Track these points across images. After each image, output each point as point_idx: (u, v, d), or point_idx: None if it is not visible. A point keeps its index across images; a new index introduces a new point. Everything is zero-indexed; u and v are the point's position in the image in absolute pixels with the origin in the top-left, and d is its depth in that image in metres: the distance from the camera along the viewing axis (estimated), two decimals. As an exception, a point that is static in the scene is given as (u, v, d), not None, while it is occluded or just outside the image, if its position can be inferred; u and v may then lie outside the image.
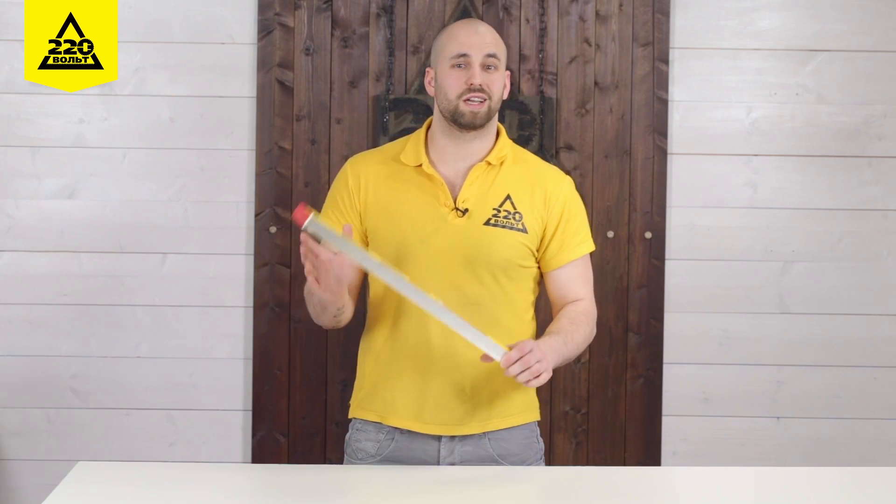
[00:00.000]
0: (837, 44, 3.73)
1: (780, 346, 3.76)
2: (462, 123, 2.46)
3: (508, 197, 2.50)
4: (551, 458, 3.70)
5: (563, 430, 3.74)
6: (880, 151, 3.75)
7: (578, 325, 2.50)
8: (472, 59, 2.44)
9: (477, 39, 2.45)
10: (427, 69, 2.54)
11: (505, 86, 2.51)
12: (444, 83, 2.47)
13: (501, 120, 3.68)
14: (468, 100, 2.44)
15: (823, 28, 3.73)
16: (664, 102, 3.70)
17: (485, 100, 2.45)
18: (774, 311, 3.76)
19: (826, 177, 3.75)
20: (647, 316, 3.73)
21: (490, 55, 2.45)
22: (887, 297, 3.76)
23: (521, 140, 3.66)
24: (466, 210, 2.47)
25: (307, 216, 2.25)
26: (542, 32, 3.68)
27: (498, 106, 2.49)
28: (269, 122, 3.67)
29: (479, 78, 2.44)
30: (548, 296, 2.58)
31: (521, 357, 2.29)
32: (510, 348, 2.32)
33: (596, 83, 3.70)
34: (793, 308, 3.76)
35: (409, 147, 2.53)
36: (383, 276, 2.33)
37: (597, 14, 3.69)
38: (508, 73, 2.54)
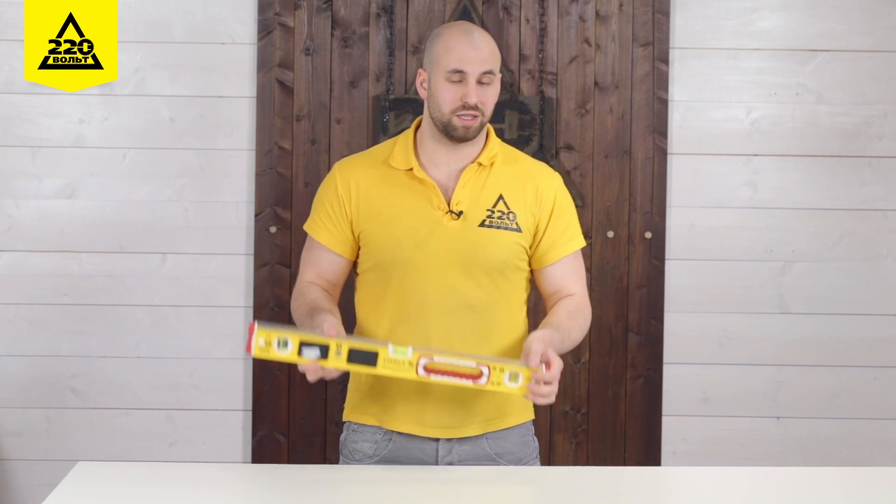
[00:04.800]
0: (838, 44, 3.73)
1: (780, 346, 3.77)
2: (454, 137, 2.44)
3: (501, 197, 2.49)
4: (551, 458, 3.71)
5: (563, 430, 3.74)
6: (880, 151, 3.75)
7: (576, 320, 2.49)
8: (469, 75, 2.41)
9: (474, 55, 2.41)
10: (420, 70, 2.51)
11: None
12: (439, 95, 2.44)
13: (501, 120, 3.68)
14: (461, 116, 2.42)
15: (824, 28, 3.73)
16: (664, 102, 3.70)
17: (478, 116, 2.43)
18: (774, 311, 3.76)
19: (826, 177, 3.75)
20: (647, 316, 3.73)
21: (486, 71, 2.42)
22: (887, 297, 3.76)
23: (521, 140, 3.66)
24: (461, 212, 2.46)
25: (252, 334, 2.24)
26: (542, 32, 3.68)
27: (490, 117, 2.47)
28: (269, 122, 3.67)
29: (474, 97, 2.41)
30: (540, 292, 2.57)
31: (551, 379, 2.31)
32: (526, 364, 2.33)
33: (596, 83, 3.70)
34: (793, 308, 3.76)
35: (398, 150, 2.51)
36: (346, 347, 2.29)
37: (597, 14, 3.69)
38: (500, 75, 2.51)
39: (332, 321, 2.30)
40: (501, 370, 2.28)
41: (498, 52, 2.48)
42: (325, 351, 2.26)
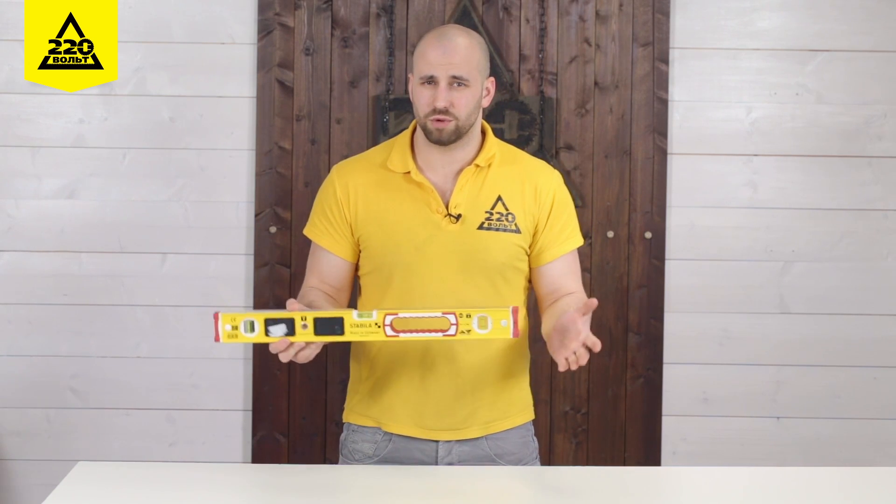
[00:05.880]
0: (838, 44, 3.73)
1: (780, 346, 3.77)
2: (431, 140, 2.45)
3: (500, 198, 2.49)
4: (551, 458, 3.71)
5: (563, 430, 3.74)
6: (880, 151, 3.75)
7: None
8: (439, 78, 2.41)
9: (444, 59, 2.41)
10: (409, 75, 2.52)
11: (488, 92, 2.49)
12: (415, 100, 2.46)
13: (501, 120, 3.68)
14: (434, 119, 2.42)
15: (823, 28, 3.73)
16: (664, 102, 3.70)
17: (450, 119, 2.42)
18: (774, 311, 3.76)
19: (826, 177, 3.75)
20: (647, 316, 3.73)
21: (456, 76, 2.41)
22: (887, 297, 3.76)
23: (521, 140, 3.66)
24: (459, 215, 2.46)
25: (217, 321, 2.25)
26: (542, 32, 3.68)
27: (470, 120, 2.45)
28: (269, 122, 3.67)
29: (442, 101, 2.41)
30: (536, 292, 2.56)
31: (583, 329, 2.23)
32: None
33: (596, 83, 3.70)
34: (793, 308, 3.76)
35: (396, 154, 2.51)
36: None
37: (597, 14, 3.69)
38: (492, 79, 2.51)
39: (294, 301, 2.30)
40: (468, 316, 2.25)
41: (479, 55, 2.46)
42: (291, 326, 2.24)
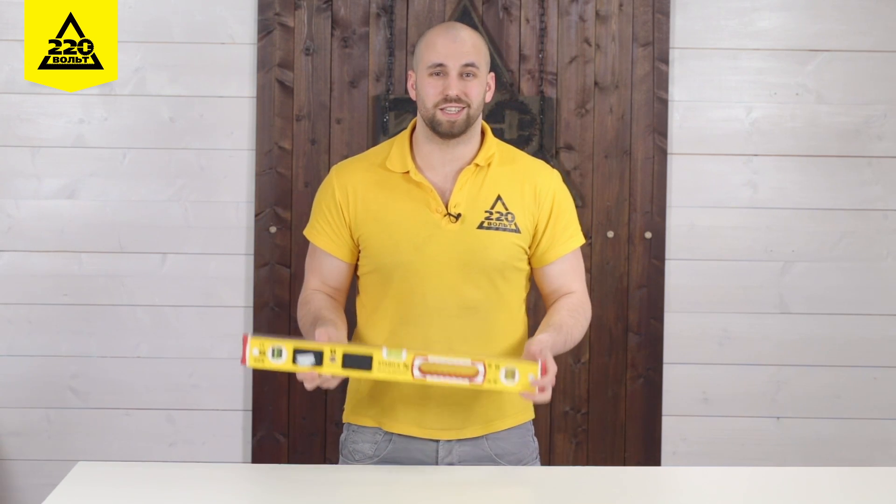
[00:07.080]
0: (838, 44, 3.73)
1: (780, 346, 3.77)
2: (440, 132, 2.44)
3: (499, 198, 2.49)
4: (551, 458, 3.71)
5: (563, 430, 3.74)
6: (880, 151, 3.75)
7: (577, 318, 2.50)
8: (449, 68, 2.42)
9: (454, 48, 2.42)
10: (409, 72, 2.52)
11: (489, 87, 2.49)
12: (422, 91, 2.45)
13: (501, 120, 3.68)
14: (445, 109, 2.42)
15: (823, 28, 3.74)
16: (664, 102, 3.70)
17: (463, 108, 2.42)
18: (774, 311, 3.76)
19: (826, 177, 3.75)
20: (647, 316, 3.73)
21: (467, 64, 2.42)
22: (887, 297, 3.76)
23: (521, 140, 3.66)
24: (459, 215, 2.46)
25: (246, 344, 2.27)
26: (542, 32, 3.68)
27: (478, 112, 2.46)
28: (269, 122, 3.67)
29: (455, 89, 2.41)
30: (539, 290, 2.57)
31: (546, 377, 2.30)
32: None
33: (596, 83, 3.71)
34: (793, 308, 3.76)
35: (395, 153, 2.50)
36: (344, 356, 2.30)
37: (597, 14, 3.69)
38: (492, 74, 2.51)
39: (324, 329, 2.31)
40: (497, 367, 2.28)
41: (484, 48, 2.47)
42: (319, 357, 2.27)
